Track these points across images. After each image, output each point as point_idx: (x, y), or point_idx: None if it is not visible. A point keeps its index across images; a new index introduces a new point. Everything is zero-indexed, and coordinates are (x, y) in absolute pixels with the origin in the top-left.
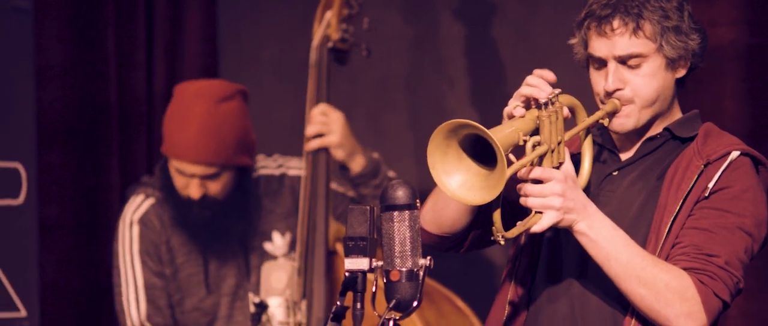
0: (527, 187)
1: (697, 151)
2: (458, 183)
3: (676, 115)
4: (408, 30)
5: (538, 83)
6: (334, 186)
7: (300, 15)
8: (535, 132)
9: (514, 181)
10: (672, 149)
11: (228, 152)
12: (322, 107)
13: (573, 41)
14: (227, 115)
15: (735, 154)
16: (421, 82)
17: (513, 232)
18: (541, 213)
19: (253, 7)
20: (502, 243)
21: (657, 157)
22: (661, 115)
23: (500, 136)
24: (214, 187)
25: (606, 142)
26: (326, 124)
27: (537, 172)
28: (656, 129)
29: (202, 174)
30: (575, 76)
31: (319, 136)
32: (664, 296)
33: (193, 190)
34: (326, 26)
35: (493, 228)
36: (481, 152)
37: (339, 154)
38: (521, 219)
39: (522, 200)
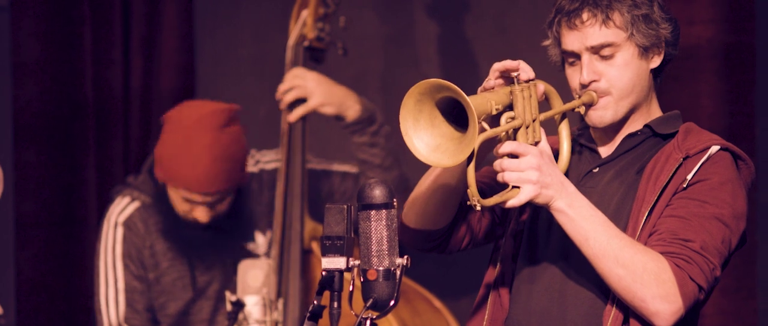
0: (504, 162)
1: (677, 146)
2: (431, 147)
3: (656, 112)
4: (384, 28)
5: (518, 64)
6: (311, 165)
7: (277, 11)
8: (510, 108)
9: (492, 171)
10: (652, 145)
11: (236, 175)
12: (296, 71)
13: (547, 43)
14: (231, 140)
15: (715, 148)
16: (397, 80)
17: (490, 201)
18: (518, 187)
19: (230, 2)
20: (478, 208)
21: (637, 153)
22: (638, 106)
23: (473, 101)
24: (221, 208)
25: (586, 141)
26: (303, 87)
27: (512, 146)
28: (636, 125)
29: (213, 200)
30: (552, 73)
31: (300, 102)
32: (641, 277)
33: (201, 215)
34: (302, 25)
35: (468, 191)
36: (454, 117)
37: (329, 111)
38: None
39: (499, 176)
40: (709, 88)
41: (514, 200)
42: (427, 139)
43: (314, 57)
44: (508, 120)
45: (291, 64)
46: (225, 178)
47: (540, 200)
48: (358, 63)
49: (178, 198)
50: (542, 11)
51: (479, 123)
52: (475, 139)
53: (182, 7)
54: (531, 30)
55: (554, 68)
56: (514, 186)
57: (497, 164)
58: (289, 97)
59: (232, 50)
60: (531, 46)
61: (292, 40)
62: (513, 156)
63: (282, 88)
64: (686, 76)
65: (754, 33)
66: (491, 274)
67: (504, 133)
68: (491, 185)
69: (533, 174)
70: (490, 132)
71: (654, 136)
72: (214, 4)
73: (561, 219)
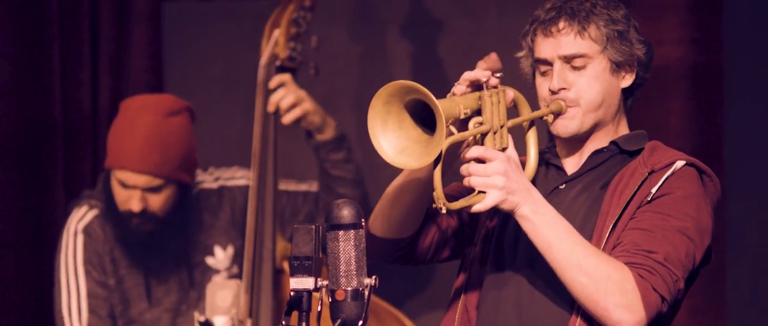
0: (470, 166)
1: (643, 162)
2: (398, 149)
3: (623, 130)
4: (355, 47)
5: (489, 74)
6: (282, 186)
7: (247, 31)
8: (478, 113)
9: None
10: (618, 162)
11: (172, 165)
12: (281, 78)
13: (520, 54)
14: (174, 128)
15: (680, 163)
16: (368, 99)
17: (456, 205)
18: (484, 192)
19: (199, 23)
20: (444, 211)
21: (603, 169)
22: (604, 123)
23: (442, 104)
24: (155, 201)
25: (552, 158)
26: (296, 92)
27: (480, 151)
28: (603, 143)
29: (145, 186)
30: (521, 88)
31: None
32: (604, 286)
33: (134, 203)
34: (274, 45)
35: (434, 194)
36: (423, 120)
37: (316, 119)
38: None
39: (465, 180)
40: (678, 107)
41: (480, 205)
42: (395, 141)
43: None
44: (476, 125)
45: (263, 83)
46: (159, 162)
47: (505, 206)
48: (331, 81)
49: (116, 186)
50: (510, 30)
51: (447, 126)
52: (442, 142)
53: (151, 27)
54: (499, 48)
55: (523, 82)
56: (480, 191)
57: (464, 168)
58: (285, 102)
59: (201, 70)
60: (502, 64)
61: (264, 59)
62: (480, 161)
63: (274, 83)
64: (655, 95)
65: (722, 53)
66: (460, 280)
67: (471, 138)
68: (458, 198)
69: (499, 179)
70: (457, 135)
71: (620, 153)
72: (182, 24)
73: (525, 225)
